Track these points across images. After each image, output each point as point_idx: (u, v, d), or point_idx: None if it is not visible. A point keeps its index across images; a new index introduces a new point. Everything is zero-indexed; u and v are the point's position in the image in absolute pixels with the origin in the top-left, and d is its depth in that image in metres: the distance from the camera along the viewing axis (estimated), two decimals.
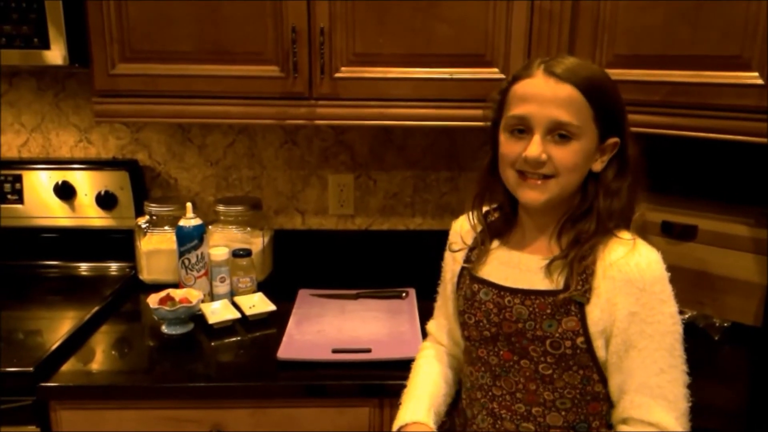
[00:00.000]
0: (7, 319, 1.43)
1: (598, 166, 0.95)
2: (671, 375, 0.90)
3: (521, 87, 0.94)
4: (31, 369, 1.21)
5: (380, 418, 1.26)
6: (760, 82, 1.14)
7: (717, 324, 1.39)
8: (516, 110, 0.93)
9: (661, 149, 1.67)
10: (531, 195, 0.94)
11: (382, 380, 1.23)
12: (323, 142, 1.81)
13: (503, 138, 0.96)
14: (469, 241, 1.08)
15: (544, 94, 0.90)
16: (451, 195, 1.85)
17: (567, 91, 0.89)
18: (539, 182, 0.93)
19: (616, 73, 1.31)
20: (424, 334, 1.29)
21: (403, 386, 1.13)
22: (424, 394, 1.09)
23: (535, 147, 0.91)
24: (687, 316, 1.42)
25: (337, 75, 1.40)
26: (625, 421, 0.92)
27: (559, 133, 0.91)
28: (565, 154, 0.91)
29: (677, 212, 1.45)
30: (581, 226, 0.95)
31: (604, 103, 0.92)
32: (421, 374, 1.14)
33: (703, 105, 1.21)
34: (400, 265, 1.77)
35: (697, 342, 1.36)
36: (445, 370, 1.15)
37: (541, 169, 0.92)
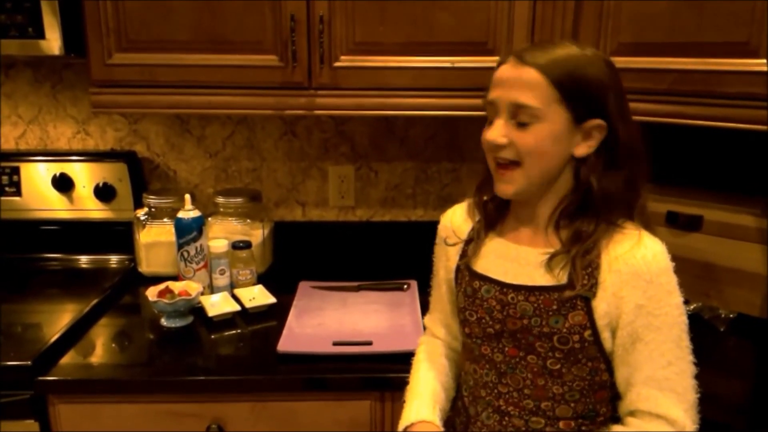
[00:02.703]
0: (5, 313, 1.42)
1: (581, 150, 0.92)
2: (679, 367, 0.89)
3: (495, 73, 0.95)
4: (29, 362, 1.20)
5: (381, 411, 1.25)
6: (766, 69, 1.12)
7: (722, 315, 1.38)
8: (488, 96, 0.94)
9: (666, 138, 1.66)
10: (500, 187, 0.96)
11: (383, 373, 1.22)
12: (323, 133, 1.79)
13: (486, 126, 0.96)
14: (463, 235, 1.06)
15: (508, 77, 0.91)
16: (453, 186, 1.83)
17: (528, 73, 0.89)
18: (506, 173, 0.93)
19: (620, 61, 1.28)
20: (426, 327, 1.28)
21: (405, 379, 1.12)
22: (427, 391, 1.08)
23: (493, 130, 0.92)
24: (692, 307, 1.41)
25: (337, 64, 1.38)
26: (633, 414, 0.91)
27: (521, 118, 0.90)
28: (526, 138, 0.90)
29: (682, 202, 1.43)
30: (581, 217, 0.93)
31: (575, 84, 0.89)
32: (422, 371, 1.12)
33: (709, 93, 1.19)
34: (401, 257, 1.75)
35: (703, 333, 1.33)
36: (446, 364, 1.14)
37: (503, 153, 0.92)
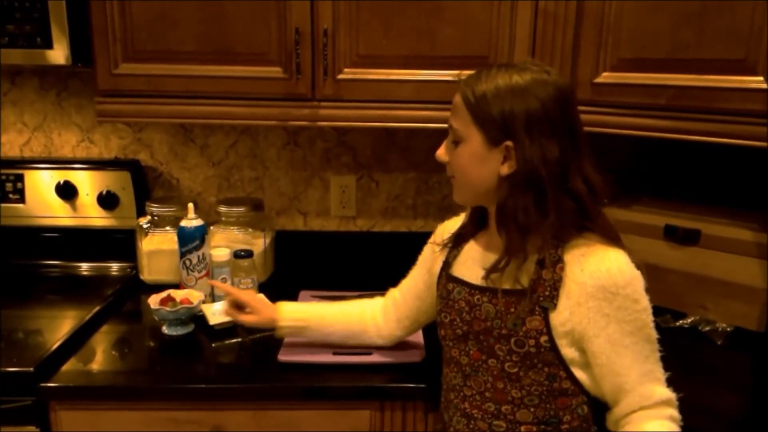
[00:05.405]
0: (7, 319, 1.43)
1: (504, 170, 0.94)
2: (654, 357, 0.95)
3: None
4: (32, 369, 1.20)
5: (381, 421, 1.25)
6: (764, 86, 1.14)
7: (720, 329, 1.39)
8: None
9: (665, 153, 1.67)
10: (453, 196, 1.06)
11: (383, 383, 1.23)
12: (325, 143, 1.80)
13: None
14: (451, 242, 1.12)
15: (452, 103, 1.00)
16: None
17: (456, 98, 0.98)
18: (453, 184, 1.04)
19: (620, 77, 1.32)
20: (426, 337, 1.29)
21: (405, 389, 1.13)
22: (318, 307, 1.29)
23: (439, 149, 1.04)
24: (690, 320, 1.42)
25: (340, 76, 1.40)
26: (642, 409, 0.94)
27: (453, 138, 0.99)
28: (454, 157, 1.00)
29: (681, 216, 1.45)
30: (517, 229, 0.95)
31: (486, 106, 0.93)
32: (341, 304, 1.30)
33: (707, 109, 1.21)
34: (402, 268, 1.75)
35: (700, 346, 1.35)
36: (354, 323, 1.27)
37: (447, 169, 1.03)
